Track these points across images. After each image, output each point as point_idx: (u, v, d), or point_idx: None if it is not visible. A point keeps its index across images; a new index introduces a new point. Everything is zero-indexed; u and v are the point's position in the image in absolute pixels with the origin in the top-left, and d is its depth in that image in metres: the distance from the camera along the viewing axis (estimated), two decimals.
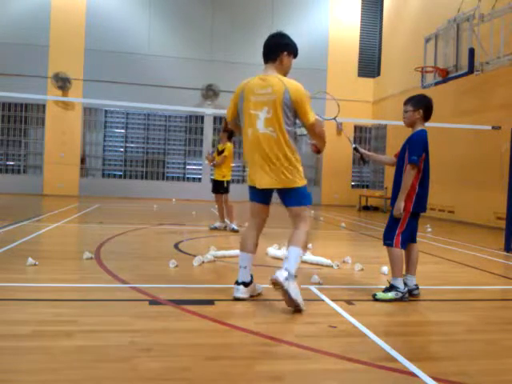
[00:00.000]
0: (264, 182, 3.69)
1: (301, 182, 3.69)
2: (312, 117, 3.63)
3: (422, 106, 4.04)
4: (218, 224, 8.66)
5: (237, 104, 3.83)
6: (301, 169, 3.72)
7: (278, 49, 3.75)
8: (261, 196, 3.84)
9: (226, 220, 8.68)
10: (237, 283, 3.78)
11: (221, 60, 18.39)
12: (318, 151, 4.01)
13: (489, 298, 4.36)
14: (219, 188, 8.64)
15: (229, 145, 8.61)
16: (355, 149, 4.36)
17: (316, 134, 3.75)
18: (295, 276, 3.53)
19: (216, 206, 8.95)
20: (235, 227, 8.40)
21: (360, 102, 18.93)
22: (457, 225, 12.17)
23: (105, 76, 17.55)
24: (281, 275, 3.41)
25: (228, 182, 8.63)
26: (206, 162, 8.91)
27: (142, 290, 3.92)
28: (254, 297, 3.85)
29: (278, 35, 3.83)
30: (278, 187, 3.70)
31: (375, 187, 19.14)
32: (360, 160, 4.40)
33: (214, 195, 8.85)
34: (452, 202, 13.20)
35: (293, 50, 3.81)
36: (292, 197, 3.70)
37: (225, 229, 8.61)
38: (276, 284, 3.43)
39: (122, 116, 18.55)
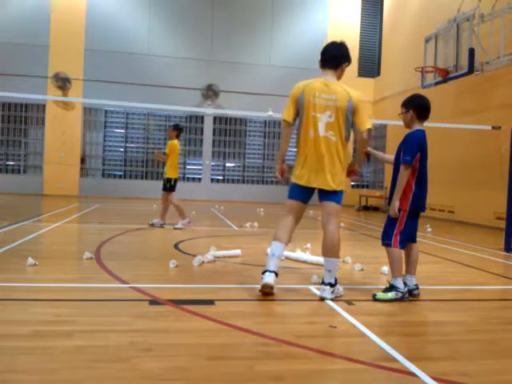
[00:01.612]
0: (316, 182, 3.92)
1: (345, 185, 4.00)
2: (368, 124, 3.94)
3: (411, 106, 4.07)
4: (156, 221, 8.60)
5: (296, 105, 3.99)
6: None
7: (342, 59, 4.03)
8: (304, 195, 4.03)
9: (158, 219, 8.62)
10: (268, 271, 3.83)
11: (221, 60, 18.39)
12: (356, 173, 4.26)
13: (489, 298, 4.36)
14: (163, 185, 8.66)
15: (173, 142, 8.62)
16: None
17: (365, 140, 4.01)
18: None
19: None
20: (157, 223, 8.49)
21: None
22: (457, 225, 12.17)
23: (105, 76, 17.55)
24: (327, 294, 3.79)
25: (169, 180, 8.62)
26: (156, 158, 9.00)
27: (142, 290, 3.92)
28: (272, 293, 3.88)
29: (342, 45, 4.07)
30: (327, 189, 3.91)
31: (375, 187, 19.14)
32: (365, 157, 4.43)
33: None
34: (452, 202, 13.19)
35: (350, 61, 4.11)
36: (334, 195, 3.95)
37: (162, 226, 8.52)
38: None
39: (122, 116, 18.56)
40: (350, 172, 4.14)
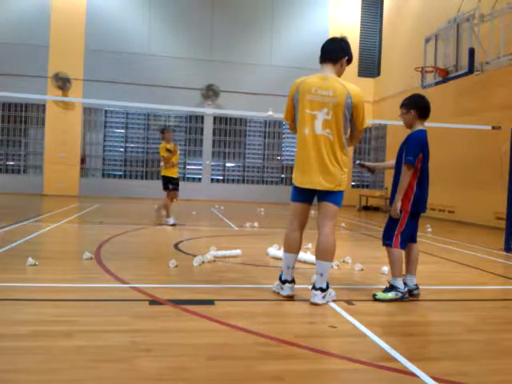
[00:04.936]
0: (314, 182, 3.76)
1: (344, 186, 3.84)
2: (366, 123, 3.82)
3: (413, 106, 4.04)
4: (172, 220, 8.88)
5: (293, 103, 3.87)
6: (346, 172, 3.85)
7: (342, 53, 3.86)
8: (306, 196, 3.89)
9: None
10: (285, 282, 3.84)
11: (221, 60, 18.39)
12: None
13: (489, 298, 4.36)
14: (177, 184, 9.03)
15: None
16: (360, 164, 4.42)
17: (358, 138, 3.94)
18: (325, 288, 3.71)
19: (165, 203, 9.02)
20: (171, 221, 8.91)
21: None
22: (457, 225, 12.17)
23: (105, 76, 17.55)
24: (318, 299, 3.65)
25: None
26: (163, 164, 9.07)
27: (142, 290, 3.92)
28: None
29: (342, 40, 3.91)
30: (325, 189, 3.76)
31: (375, 187, 19.14)
32: (368, 172, 4.45)
33: (167, 193, 8.96)
34: (452, 202, 13.19)
35: (351, 59, 3.94)
36: (332, 196, 3.81)
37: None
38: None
39: (122, 116, 18.55)
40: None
